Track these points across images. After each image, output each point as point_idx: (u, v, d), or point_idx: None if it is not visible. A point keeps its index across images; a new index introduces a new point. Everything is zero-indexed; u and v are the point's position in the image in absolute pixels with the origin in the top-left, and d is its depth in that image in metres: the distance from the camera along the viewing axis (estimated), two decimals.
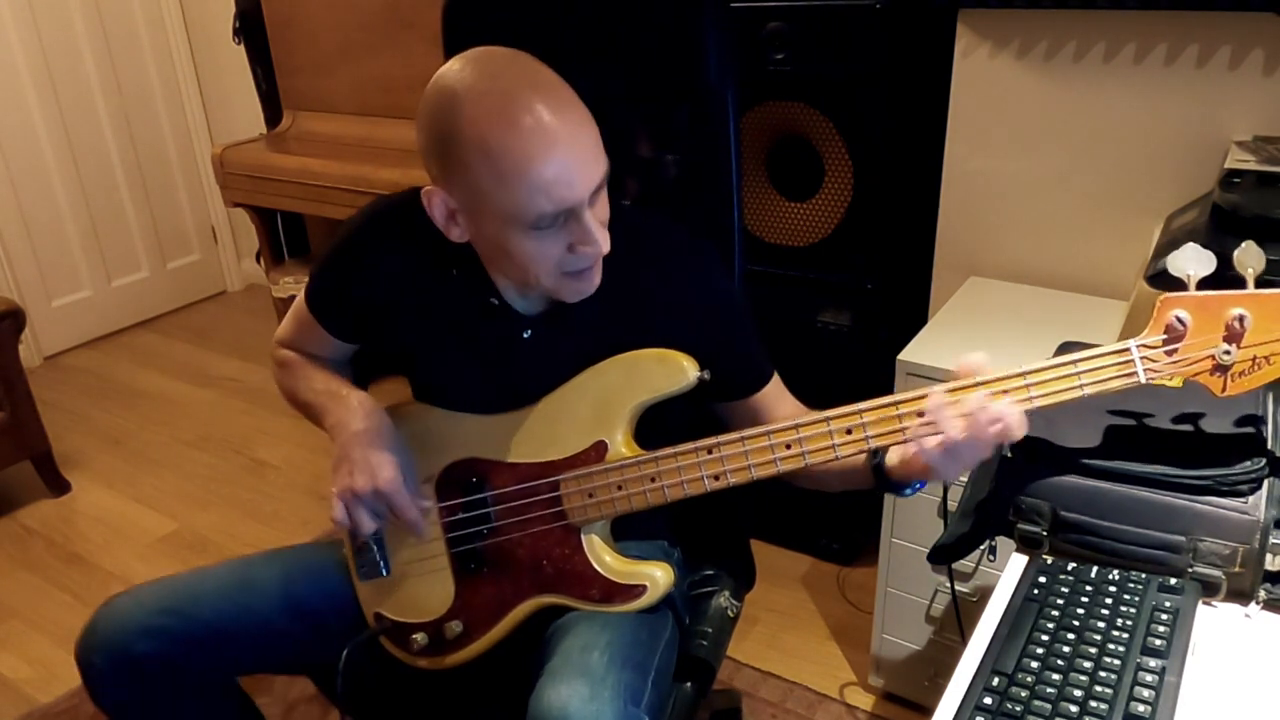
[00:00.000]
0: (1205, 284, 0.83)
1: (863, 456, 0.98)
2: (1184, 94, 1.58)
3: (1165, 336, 0.83)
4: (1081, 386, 0.85)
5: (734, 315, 1.07)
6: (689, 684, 1.15)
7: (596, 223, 0.93)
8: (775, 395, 1.11)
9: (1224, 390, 0.83)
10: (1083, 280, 1.77)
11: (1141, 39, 1.58)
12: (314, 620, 1.11)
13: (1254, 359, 0.82)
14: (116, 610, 1.03)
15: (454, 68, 0.91)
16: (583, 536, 1.04)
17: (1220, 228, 1.26)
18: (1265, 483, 0.87)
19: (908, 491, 0.98)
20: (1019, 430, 0.85)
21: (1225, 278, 0.83)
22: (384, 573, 1.10)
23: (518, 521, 1.05)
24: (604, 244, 0.94)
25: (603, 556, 1.04)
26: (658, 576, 1.03)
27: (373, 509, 1.03)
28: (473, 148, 0.88)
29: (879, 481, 0.99)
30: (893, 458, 0.97)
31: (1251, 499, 0.86)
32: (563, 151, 0.87)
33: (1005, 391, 0.86)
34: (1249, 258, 0.82)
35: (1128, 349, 0.84)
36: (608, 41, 1.22)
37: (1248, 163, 1.38)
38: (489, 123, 0.87)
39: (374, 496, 1.02)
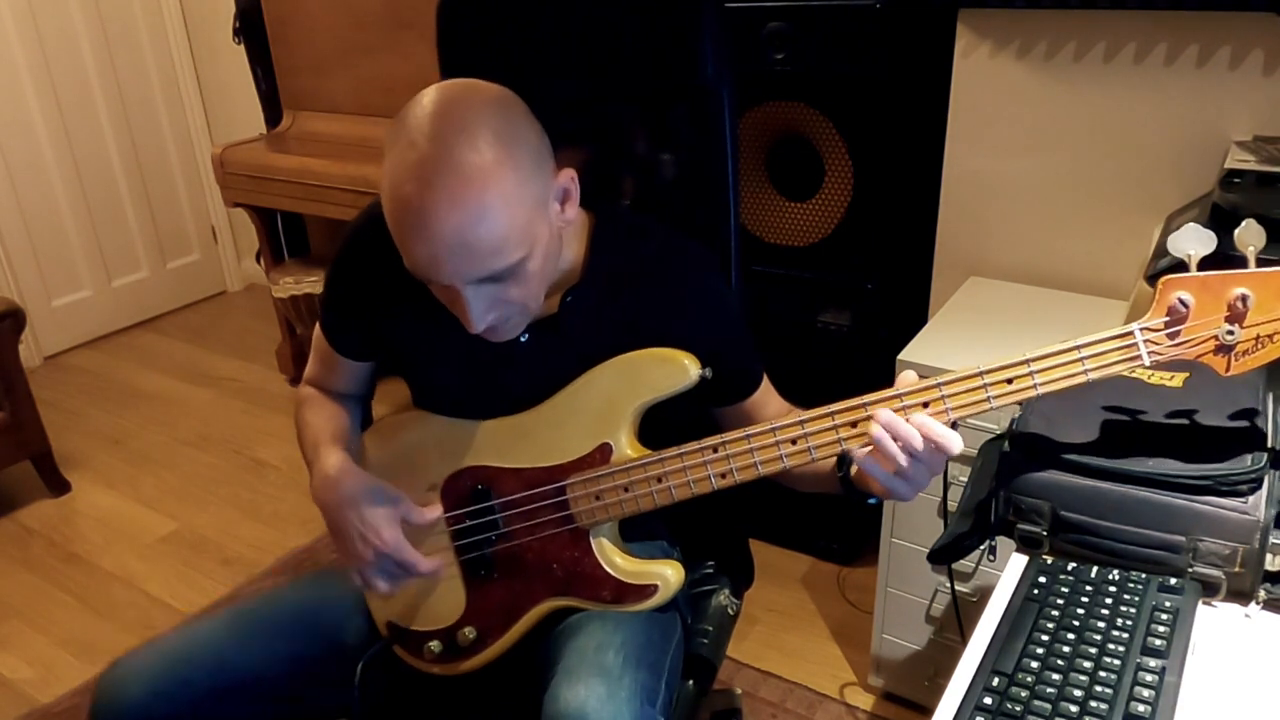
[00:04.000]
0: (1205, 266, 0.83)
1: (833, 461, 0.99)
2: (1184, 94, 1.58)
3: (1168, 319, 0.83)
4: (1086, 372, 0.84)
5: (731, 319, 1.07)
6: (691, 682, 1.15)
7: (478, 303, 0.90)
8: (765, 396, 1.12)
9: (1228, 370, 0.83)
10: (1083, 280, 1.77)
11: (1141, 39, 1.58)
12: (313, 664, 1.10)
13: (1257, 338, 0.81)
14: (113, 687, 1.03)
15: (415, 99, 0.89)
16: (592, 539, 1.04)
17: (1220, 228, 1.25)
18: (1265, 482, 0.87)
19: (872, 500, 0.99)
20: (949, 440, 0.86)
21: (1225, 264, 0.82)
22: None
23: (526, 527, 1.05)
24: (478, 326, 0.91)
25: (613, 558, 1.04)
26: (669, 575, 1.03)
27: (384, 570, 1.05)
28: (383, 183, 0.88)
29: (846, 489, 0.99)
30: (857, 466, 0.97)
31: (1251, 499, 0.86)
32: (431, 242, 0.85)
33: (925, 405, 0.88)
34: (1250, 236, 0.82)
35: (1131, 332, 0.84)
36: (604, 41, 1.22)
37: (1248, 163, 1.38)
38: (389, 173, 0.86)
39: (380, 561, 1.03)
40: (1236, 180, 1.33)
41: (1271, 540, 0.85)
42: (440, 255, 0.86)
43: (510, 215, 0.86)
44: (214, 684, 1.04)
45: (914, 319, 1.94)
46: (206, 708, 1.03)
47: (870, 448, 0.90)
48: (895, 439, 0.87)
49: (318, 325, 1.17)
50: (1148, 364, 0.84)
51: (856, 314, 1.95)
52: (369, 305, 1.09)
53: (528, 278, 0.92)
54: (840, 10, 1.73)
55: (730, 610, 1.26)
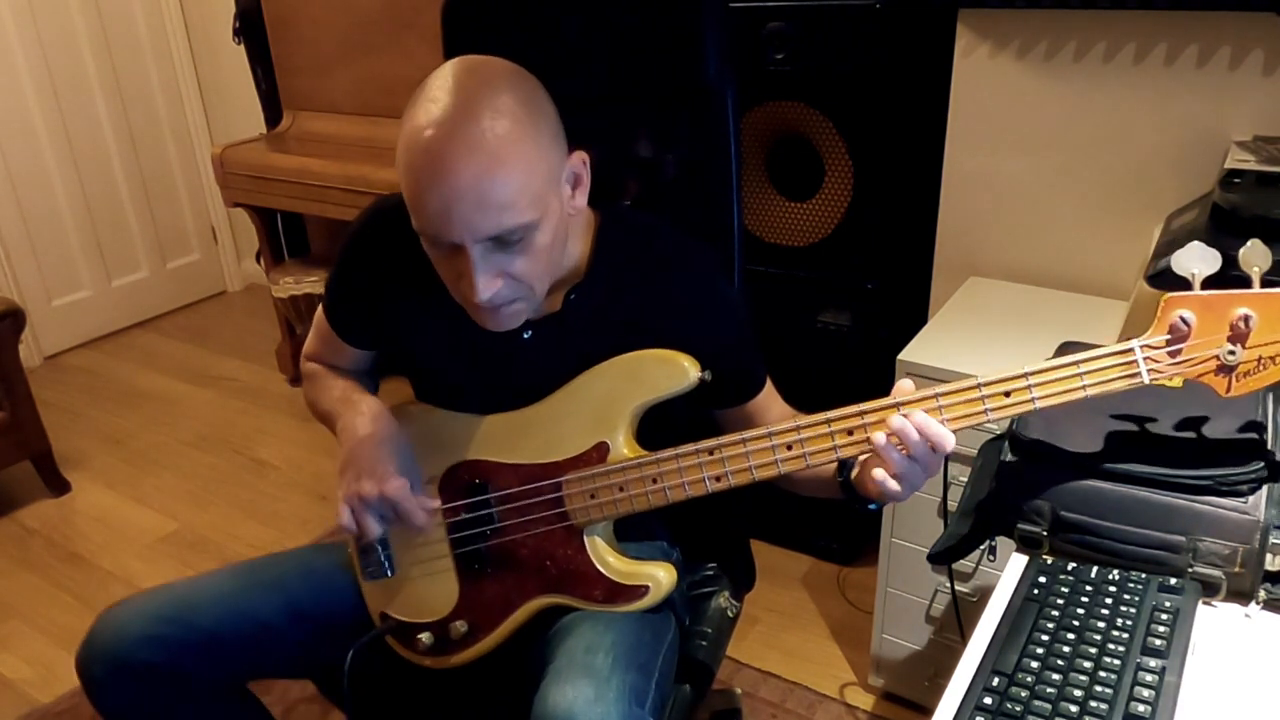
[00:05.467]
0: (1209, 283, 0.82)
1: (834, 466, 0.99)
2: (1184, 94, 1.58)
3: (1169, 336, 0.83)
4: (1085, 387, 0.85)
5: (735, 320, 1.07)
6: (688, 684, 1.15)
7: (485, 270, 0.90)
8: (768, 399, 1.12)
9: (1229, 390, 0.83)
10: (1083, 280, 1.77)
11: (1141, 39, 1.58)
12: (314, 623, 1.11)
13: (1259, 359, 0.81)
14: (114, 620, 1.03)
15: (438, 69, 0.91)
16: (585, 537, 1.04)
17: (1220, 228, 1.26)
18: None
19: (872, 506, 0.99)
20: (944, 437, 0.87)
21: (1229, 277, 0.82)
22: (389, 573, 1.10)
23: (521, 522, 1.05)
24: (483, 294, 0.90)
25: (605, 557, 1.04)
26: (660, 577, 1.03)
27: (379, 513, 1.03)
28: (400, 142, 0.89)
29: (847, 494, 0.99)
30: (858, 470, 0.98)
31: (1251, 499, 0.86)
32: (445, 190, 0.86)
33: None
34: (1255, 256, 0.81)
35: (1131, 349, 0.84)
36: (607, 41, 1.22)
37: (1248, 163, 1.38)
38: (409, 127, 0.88)
39: (380, 501, 1.02)
40: (1236, 180, 1.33)
41: (1271, 540, 0.85)
42: (453, 204, 0.86)
43: (526, 174, 0.87)
44: (216, 628, 1.04)
45: (914, 319, 1.93)
46: (205, 651, 1.04)
47: (867, 455, 0.91)
48: (899, 444, 0.88)
49: (320, 309, 1.17)
50: (1147, 382, 0.84)
51: (856, 314, 1.95)
52: (376, 295, 1.10)
53: (535, 251, 0.92)
54: (840, 10, 1.73)
55: (730, 613, 1.26)
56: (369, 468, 1.02)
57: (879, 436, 0.89)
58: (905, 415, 0.88)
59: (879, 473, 0.90)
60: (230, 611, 1.06)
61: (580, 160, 0.97)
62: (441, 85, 0.88)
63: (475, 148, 0.85)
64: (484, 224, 0.87)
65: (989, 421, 0.88)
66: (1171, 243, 1.28)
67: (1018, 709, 0.75)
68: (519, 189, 0.87)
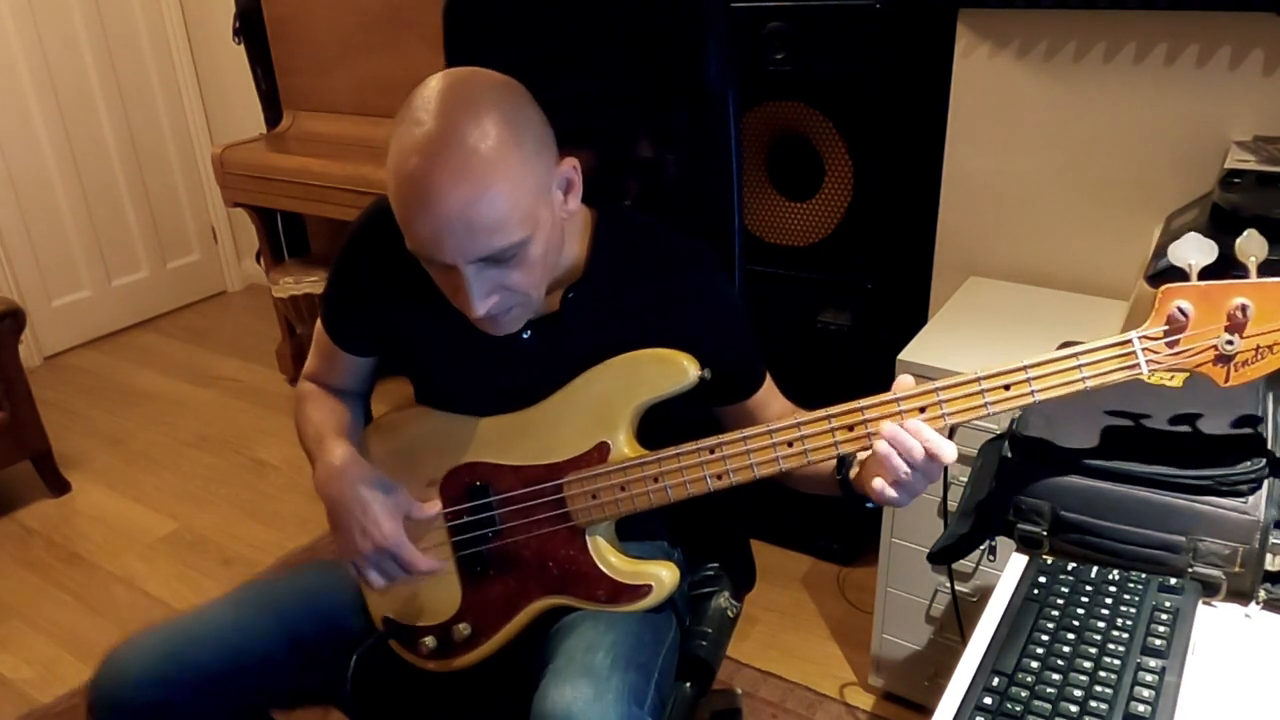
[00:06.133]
0: (1206, 275, 0.82)
1: (832, 464, 0.98)
2: (1184, 94, 1.58)
3: (1167, 327, 0.83)
4: (1084, 380, 0.84)
5: (733, 318, 1.07)
6: (689, 684, 1.15)
7: (480, 287, 0.91)
8: (768, 396, 1.12)
9: (1227, 380, 0.82)
10: (1083, 280, 1.77)
11: (1141, 39, 1.58)
12: (315, 650, 1.10)
13: (1257, 348, 0.81)
14: (117, 662, 1.03)
15: (423, 83, 0.91)
16: (587, 537, 1.04)
17: (1220, 228, 1.26)
18: (1265, 483, 0.87)
19: (870, 504, 0.99)
20: (945, 449, 0.87)
21: (1227, 273, 0.82)
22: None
23: (522, 524, 1.06)
24: (479, 310, 0.91)
25: (608, 557, 1.04)
26: (663, 576, 1.03)
27: (380, 564, 1.05)
28: (388, 163, 0.89)
29: (845, 492, 0.99)
30: (857, 469, 0.98)
31: (1251, 499, 0.86)
32: (434, 218, 0.86)
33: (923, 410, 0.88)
34: (1251, 246, 0.81)
35: (1129, 340, 0.83)
36: (608, 42, 1.22)
37: (1248, 163, 1.38)
38: (395, 150, 0.88)
39: (377, 554, 1.04)
40: (1236, 180, 1.33)
41: (1271, 540, 0.85)
42: (443, 230, 0.86)
43: (513, 194, 0.87)
44: (217, 664, 1.04)
45: (914, 319, 1.94)
46: (208, 687, 1.03)
47: (868, 453, 0.91)
48: (899, 453, 0.88)
49: (319, 321, 1.17)
50: (1146, 373, 0.84)
51: (856, 314, 1.95)
52: (373, 301, 1.10)
53: (530, 263, 0.92)
54: (840, 10, 1.73)
55: (730, 613, 1.26)
56: (357, 526, 1.03)
57: (881, 445, 0.88)
58: (907, 428, 0.88)
59: (878, 482, 0.90)
60: (230, 647, 1.05)
61: (571, 166, 0.96)
62: (425, 106, 0.87)
63: (461, 174, 0.85)
64: (475, 247, 0.88)
65: (989, 415, 0.88)
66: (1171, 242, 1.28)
67: (1018, 709, 0.75)
68: (507, 210, 0.87)
